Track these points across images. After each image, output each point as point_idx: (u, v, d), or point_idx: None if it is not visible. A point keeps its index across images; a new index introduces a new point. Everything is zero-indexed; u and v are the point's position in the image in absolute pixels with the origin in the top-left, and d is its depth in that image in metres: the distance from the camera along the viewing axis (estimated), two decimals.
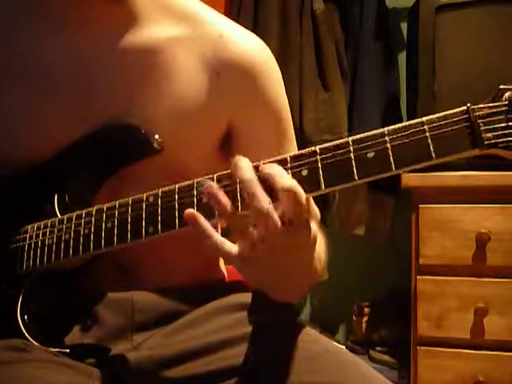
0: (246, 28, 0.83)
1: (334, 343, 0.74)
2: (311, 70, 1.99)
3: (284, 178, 0.56)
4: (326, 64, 1.99)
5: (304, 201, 0.56)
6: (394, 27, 2.08)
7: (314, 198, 0.60)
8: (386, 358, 1.90)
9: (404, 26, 2.04)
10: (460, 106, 0.55)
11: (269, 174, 0.56)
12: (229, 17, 0.83)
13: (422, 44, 1.64)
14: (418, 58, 1.65)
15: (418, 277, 1.57)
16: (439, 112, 0.55)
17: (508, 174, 1.48)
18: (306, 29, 2.00)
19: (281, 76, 0.83)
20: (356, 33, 2.02)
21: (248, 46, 0.79)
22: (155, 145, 0.73)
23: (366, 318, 2.01)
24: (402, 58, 2.01)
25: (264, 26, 2.01)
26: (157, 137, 0.73)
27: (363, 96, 1.99)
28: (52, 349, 0.69)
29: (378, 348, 1.94)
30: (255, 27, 2.01)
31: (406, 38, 2.00)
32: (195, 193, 0.63)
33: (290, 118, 0.84)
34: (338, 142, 0.57)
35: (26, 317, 0.71)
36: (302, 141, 1.88)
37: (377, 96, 1.98)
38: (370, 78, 1.99)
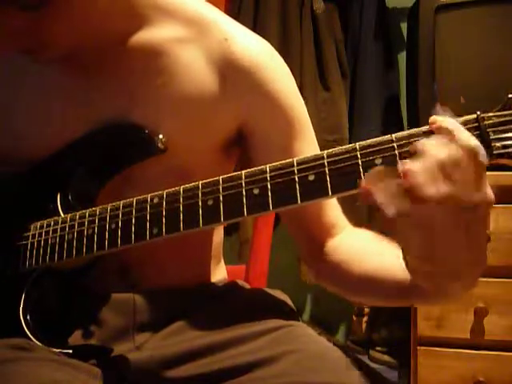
0: (246, 28, 0.82)
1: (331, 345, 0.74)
2: (311, 70, 2.00)
3: (466, 134, 0.51)
4: (326, 64, 1.99)
5: (486, 163, 0.51)
6: (394, 27, 2.09)
7: None
8: (386, 358, 1.90)
9: (404, 26, 2.04)
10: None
11: (447, 128, 0.52)
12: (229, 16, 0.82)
13: (422, 44, 1.64)
14: (418, 57, 1.65)
15: None
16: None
17: (508, 174, 1.48)
18: (306, 29, 2.01)
19: (290, 75, 0.81)
20: (356, 33, 2.02)
21: (254, 48, 0.78)
22: (159, 144, 0.72)
23: (365, 318, 2.01)
24: (402, 58, 2.01)
25: (264, 26, 2.01)
26: (161, 136, 0.72)
27: (363, 96, 1.99)
28: (54, 349, 0.69)
29: (378, 348, 1.94)
30: (255, 27, 2.01)
31: (406, 38, 2.00)
32: (200, 194, 0.63)
33: (306, 116, 0.82)
34: (345, 147, 0.56)
35: (28, 316, 0.71)
36: None
37: (377, 96, 1.98)
38: (370, 78, 1.99)
